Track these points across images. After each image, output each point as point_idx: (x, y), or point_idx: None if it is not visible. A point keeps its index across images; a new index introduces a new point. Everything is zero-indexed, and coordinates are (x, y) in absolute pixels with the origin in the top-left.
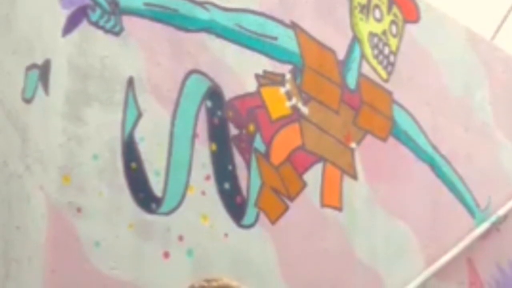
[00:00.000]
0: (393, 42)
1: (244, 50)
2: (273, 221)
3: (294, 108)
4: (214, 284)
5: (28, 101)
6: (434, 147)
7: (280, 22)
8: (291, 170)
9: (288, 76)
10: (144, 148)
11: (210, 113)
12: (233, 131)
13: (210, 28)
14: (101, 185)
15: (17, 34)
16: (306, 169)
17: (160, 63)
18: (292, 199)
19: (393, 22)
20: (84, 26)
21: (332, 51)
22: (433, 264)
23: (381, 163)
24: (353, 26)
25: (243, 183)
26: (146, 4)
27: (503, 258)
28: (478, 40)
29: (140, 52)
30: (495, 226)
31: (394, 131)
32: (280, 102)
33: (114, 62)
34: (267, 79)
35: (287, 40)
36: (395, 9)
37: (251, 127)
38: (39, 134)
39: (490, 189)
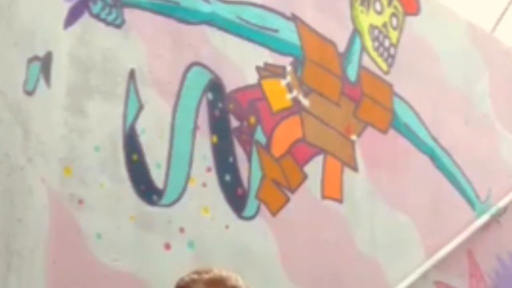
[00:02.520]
0: (393, 34)
1: (245, 42)
2: (274, 213)
3: (295, 100)
4: (206, 276)
5: (29, 93)
6: (434, 139)
7: (281, 14)
8: (292, 162)
9: (289, 68)
10: (145, 140)
11: (211, 105)
12: (234, 123)
13: (211, 21)
14: (102, 177)
15: (19, 26)
16: (307, 161)
17: (162, 56)
18: (293, 191)
19: (393, 14)
20: (86, 18)
21: (333, 44)
22: (433, 256)
23: (382, 155)
24: (353, 19)
25: (244, 175)
26: None
27: (503, 249)
28: (478, 33)
29: (141, 45)
30: (495, 218)
31: (394, 123)
32: (281, 94)
33: (116, 54)
34: (268, 71)
35: (288, 32)
36: (395, 2)
37: (252, 119)
38: (40, 126)
39: (490, 181)
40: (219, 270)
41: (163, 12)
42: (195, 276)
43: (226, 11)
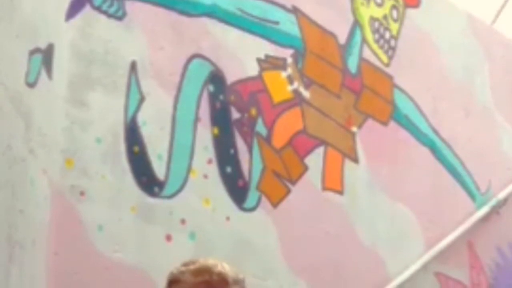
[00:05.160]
0: (394, 26)
1: (246, 34)
2: (274, 205)
3: (296, 92)
4: (192, 267)
5: (31, 85)
6: (435, 131)
7: (282, 6)
8: (293, 153)
9: (289, 61)
10: (146, 132)
11: (212, 97)
12: (235, 115)
13: (212, 13)
14: (104, 168)
15: (21, 18)
16: (308, 152)
17: (163, 48)
18: (293, 182)
19: (393, 6)
20: (87, 10)
21: (334, 36)
22: (433, 247)
23: (382, 146)
24: (354, 11)
25: (245, 167)
26: None
27: (503, 241)
28: (478, 25)
29: (142, 37)
30: (495, 210)
31: (395, 115)
32: (281, 86)
33: (117, 46)
34: (269, 63)
35: (289, 24)
36: None
37: (253, 111)
38: (42, 118)
39: (490, 172)
40: (204, 259)
41: (164, 4)
42: (182, 268)
43: (227, 3)
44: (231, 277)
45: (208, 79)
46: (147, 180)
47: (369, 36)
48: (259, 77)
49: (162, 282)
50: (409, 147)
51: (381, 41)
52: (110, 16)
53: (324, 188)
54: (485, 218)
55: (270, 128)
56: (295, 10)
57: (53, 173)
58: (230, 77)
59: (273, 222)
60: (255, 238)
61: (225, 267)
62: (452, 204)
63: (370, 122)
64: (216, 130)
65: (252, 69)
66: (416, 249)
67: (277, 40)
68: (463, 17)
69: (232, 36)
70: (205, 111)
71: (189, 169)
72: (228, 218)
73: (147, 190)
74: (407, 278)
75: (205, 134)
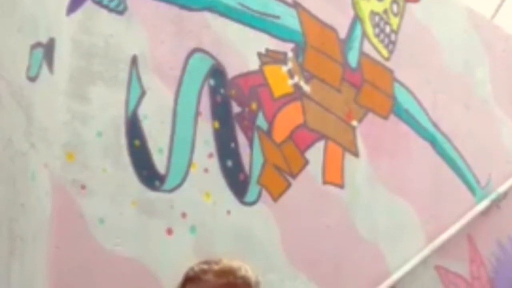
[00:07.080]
0: (394, 21)
1: (247, 28)
2: (275, 198)
3: (296, 86)
4: (216, 267)
5: (32, 79)
6: (435, 125)
7: (283, 0)
8: (293, 147)
9: (290, 55)
10: (147, 126)
11: (213, 91)
12: (236, 109)
13: (213, 7)
14: (105, 162)
15: (22, 13)
16: (308, 146)
17: (164, 42)
18: (294, 176)
19: (394, 1)
20: (89, 4)
21: (334, 30)
22: (433, 241)
23: (382, 140)
24: (354, 5)
25: (245, 161)
26: None
27: (503, 235)
28: (479, 19)
29: (143, 31)
30: (495, 203)
31: (395, 109)
32: (282, 80)
33: (118, 40)
34: (270, 57)
35: (290, 18)
36: None
37: (254, 105)
38: (43, 112)
39: (490, 166)
40: (228, 260)
41: None
42: (205, 267)
43: None
44: (253, 280)
45: (208, 73)
46: (148, 174)
47: (370, 30)
48: (260, 71)
49: (163, 275)
50: (409, 141)
51: (382, 35)
52: (111, 10)
53: (325, 182)
54: (485, 212)
55: (270, 122)
56: (295, 4)
57: (54, 167)
58: (231, 71)
59: (274, 216)
60: (256, 232)
61: (248, 269)
62: (452, 197)
63: (370, 116)
64: (216, 124)
65: (253, 63)
66: (416, 242)
67: (278, 34)
68: (463, 11)
69: (233, 30)
70: (205, 105)
71: (189, 163)
72: (228, 212)
73: (148, 184)
74: (407, 271)
75: (206, 128)
